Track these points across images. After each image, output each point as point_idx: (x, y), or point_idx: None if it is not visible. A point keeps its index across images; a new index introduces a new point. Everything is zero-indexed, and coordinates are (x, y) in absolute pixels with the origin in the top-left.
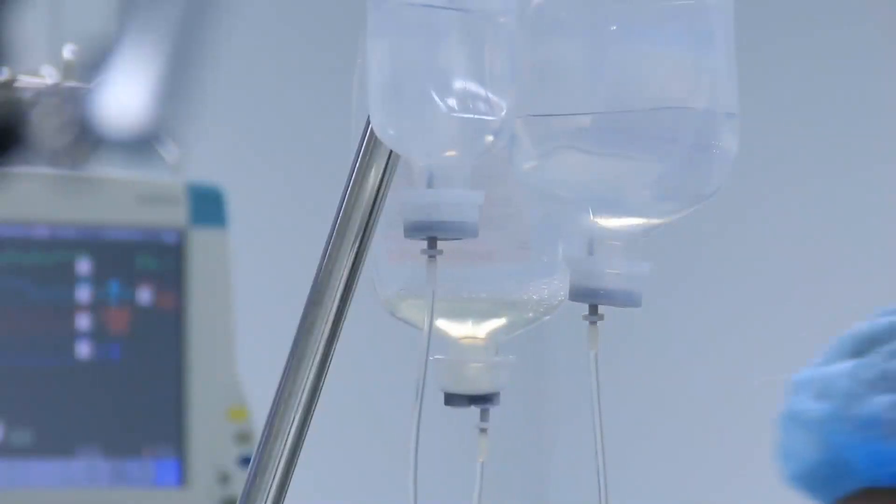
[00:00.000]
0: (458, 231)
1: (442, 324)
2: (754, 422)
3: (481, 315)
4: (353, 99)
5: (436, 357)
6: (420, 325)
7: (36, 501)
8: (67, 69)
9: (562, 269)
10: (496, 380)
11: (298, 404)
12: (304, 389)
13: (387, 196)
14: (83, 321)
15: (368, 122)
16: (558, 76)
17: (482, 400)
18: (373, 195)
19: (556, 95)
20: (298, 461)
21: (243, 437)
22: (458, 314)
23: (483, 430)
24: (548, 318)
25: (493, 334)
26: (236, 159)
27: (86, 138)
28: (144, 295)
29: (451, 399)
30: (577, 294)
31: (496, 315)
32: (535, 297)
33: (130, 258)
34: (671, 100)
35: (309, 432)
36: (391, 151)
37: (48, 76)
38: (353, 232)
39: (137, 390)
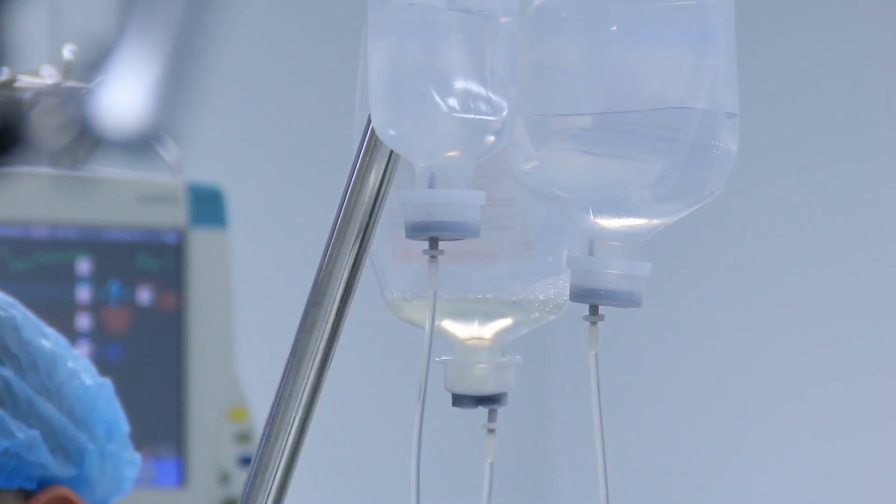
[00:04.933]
0: (460, 231)
1: (448, 325)
2: (755, 421)
3: (487, 315)
4: (356, 99)
5: (443, 358)
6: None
7: None
8: (67, 69)
9: (567, 268)
10: (503, 380)
11: (298, 404)
12: (304, 389)
13: (387, 196)
14: (83, 321)
15: (369, 123)
16: (559, 76)
17: (490, 401)
18: (373, 195)
19: (556, 95)
20: (299, 461)
21: (243, 437)
22: (463, 315)
23: (491, 431)
24: (553, 317)
25: (499, 335)
26: (236, 159)
27: (86, 138)
28: (144, 295)
29: (459, 400)
30: (577, 294)
31: (502, 315)
32: (540, 296)
33: (130, 258)
34: (671, 100)
35: (309, 433)
36: (391, 151)
37: (48, 76)
38: (353, 232)
39: (137, 390)
